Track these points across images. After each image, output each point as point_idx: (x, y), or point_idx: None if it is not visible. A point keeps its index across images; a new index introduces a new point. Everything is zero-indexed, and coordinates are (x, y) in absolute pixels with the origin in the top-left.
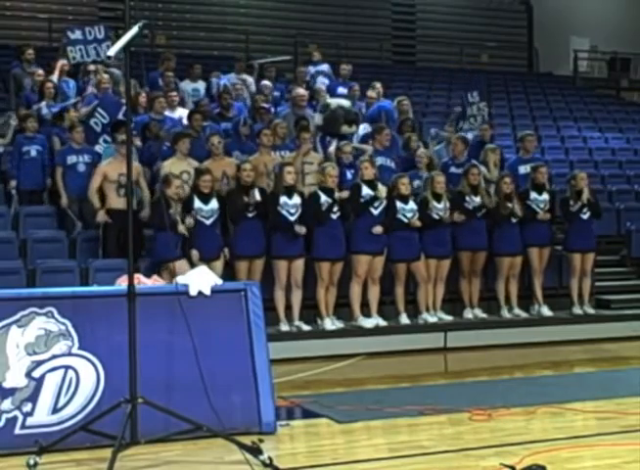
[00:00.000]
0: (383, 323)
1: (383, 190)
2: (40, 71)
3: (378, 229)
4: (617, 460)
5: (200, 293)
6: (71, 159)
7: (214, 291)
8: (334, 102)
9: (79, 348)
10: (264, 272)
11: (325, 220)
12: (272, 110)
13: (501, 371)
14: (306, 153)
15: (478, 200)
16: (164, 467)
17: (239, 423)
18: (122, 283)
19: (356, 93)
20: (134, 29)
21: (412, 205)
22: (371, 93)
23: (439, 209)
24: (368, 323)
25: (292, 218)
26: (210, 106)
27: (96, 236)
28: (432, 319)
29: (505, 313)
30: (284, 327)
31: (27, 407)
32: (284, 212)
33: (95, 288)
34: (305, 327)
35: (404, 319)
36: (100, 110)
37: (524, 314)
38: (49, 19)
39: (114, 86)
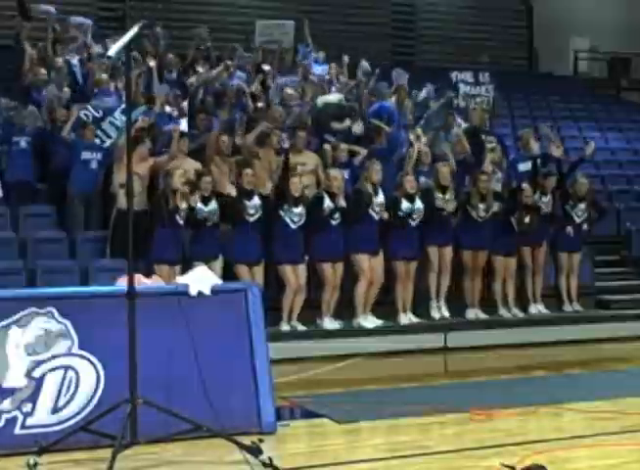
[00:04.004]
0: (380, 322)
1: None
2: (42, 71)
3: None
4: (616, 460)
5: (200, 293)
6: (86, 154)
7: (214, 291)
8: (320, 101)
9: (79, 348)
10: (264, 273)
11: (325, 226)
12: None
13: (501, 371)
14: (299, 152)
15: (483, 206)
16: (164, 467)
17: (239, 423)
18: (122, 283)
19: (333, 73)
20: (134, 29)
21: (419, 204)
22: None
23: (443, 200)
24: (370, 323)
25: (293, 227)
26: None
27: (97, 237)
28: (436, 315)
29: (504, 313)
30: (284, 327)
31: (27, 407)
32: (287, 220)
33: (95, 288)
34: (301, 327)
35: (404, 319)
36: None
37: (521, 314)
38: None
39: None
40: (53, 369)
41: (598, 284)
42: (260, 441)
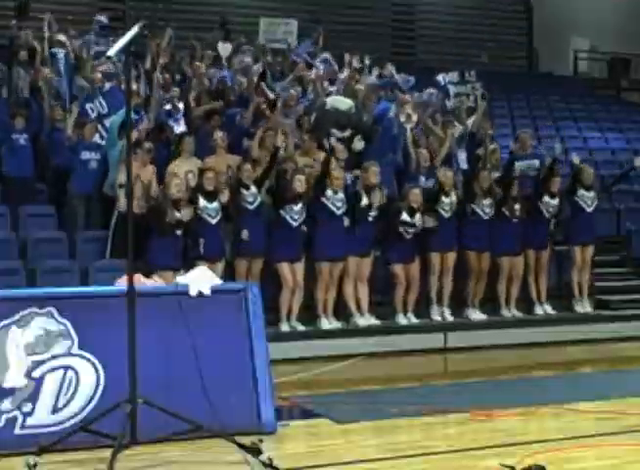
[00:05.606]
0: (377, 322)
1: (377, 196)
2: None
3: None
4: (617, 460)
5: (200, 293)
6: (85, 154)
7: (214, 291)
8: (330, 101)
9: (79, 348)
10: (264, 273)
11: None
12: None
13: (501, 371)
14: (312, 153)
15: (487, 202)
16: (164, 467)
17: (239, 423)
18: (122, 283)
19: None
20: (134, 29)
21: (419, 219)
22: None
23: (446, 203)
24: (364, 321)
25: (294, 225)
26: None
27: (97, 237)
28: (438, 318)
29: (506, 314)
30: (284, 327)
31: (27, 407)
32: (287, 218)
33: (95, 288)
34: (301, 327)
35: (402, 319)
36: (101, 99)
37: (523, 315)
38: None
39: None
40: (53, 369)
41: (598, 284)
42: (260, 441)
